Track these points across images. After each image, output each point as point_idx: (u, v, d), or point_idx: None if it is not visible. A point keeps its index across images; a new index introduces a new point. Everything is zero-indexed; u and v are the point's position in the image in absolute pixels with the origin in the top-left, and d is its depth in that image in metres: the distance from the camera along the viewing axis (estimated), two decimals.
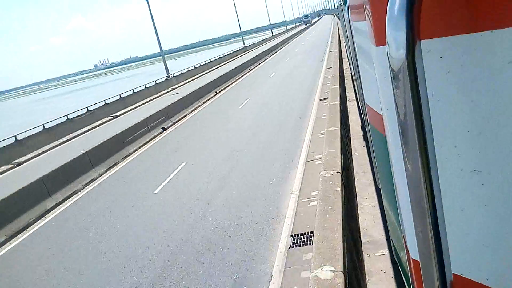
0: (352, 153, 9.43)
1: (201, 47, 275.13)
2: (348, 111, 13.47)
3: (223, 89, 25.84)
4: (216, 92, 24.77)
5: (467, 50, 0.74)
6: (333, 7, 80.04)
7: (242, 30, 71.86)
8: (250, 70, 33.92)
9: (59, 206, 10.33)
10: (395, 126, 0.73)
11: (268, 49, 49.26)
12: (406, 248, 1.08)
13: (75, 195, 10.93)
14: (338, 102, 11.00)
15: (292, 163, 9.65)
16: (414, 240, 0.76)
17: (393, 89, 0.68)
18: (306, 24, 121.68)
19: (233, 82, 28.25)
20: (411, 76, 0.64)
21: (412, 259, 0.99)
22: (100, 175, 12.19)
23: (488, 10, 0.70)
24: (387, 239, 5.70)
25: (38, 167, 14.35)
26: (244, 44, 66.18)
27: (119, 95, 28.07)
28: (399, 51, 0.64)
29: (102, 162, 12.69)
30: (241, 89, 24.16)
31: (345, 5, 4.27)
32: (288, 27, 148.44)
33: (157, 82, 33.72)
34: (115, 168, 12.71)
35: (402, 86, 0.65)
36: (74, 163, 11.84)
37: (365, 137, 8.92)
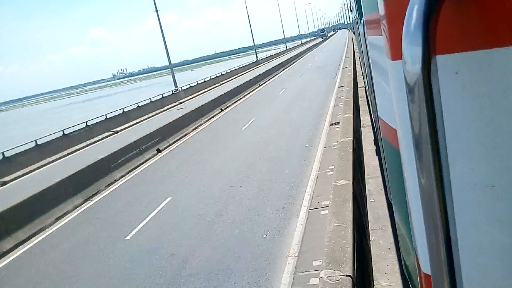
0: (367, 200, 7.72)
1: (217, 59, 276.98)
2: (363, 139, 11.77)
3: (229, 105, 24.36)
4: (221, 109, 23.29)
5: (483, 66, 0.74)
6: (348, 22, 78.87)
7: (257, 43, 71.00)
8: (260, 86, 32.48)
9: (18, 248, 8.81)
10: (410, 140, 0.74)
11: (281, 63, 47.93)
12: (417, 261, 1.05)
13: (41, 233, 9.41)
14: (351, 137, 9.28)
15: (293, 208, 7.94)
16: (426, 254, 0.75)
17: (408, 104, 0.68)
18: (322, 38, 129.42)
19: (241, 98, 26.78)
20: (426, 90, 0.64)
21: (423, 273, 0.99)
22: (76, 207, 10.68)
23: (504, 26, 0.69)
24: None
25: (21, 189, 12.98)
26: (257, 57, 65.07)
27: (122, 109, 26.86)
28: (415, 66, 0.64)
29: (80, 191, 11.19)
30: (248, 107, 22.63)
31: (360, 20, 4.04)
32: (303, 40, 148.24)
33: (164, 96, 32.54)
34: (95, 199, 11.19)
35: (417, 101, 0.65)
36: (47, 192, 10.38)
37: (378, 151, 8.48)
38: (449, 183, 0.67)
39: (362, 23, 3.35)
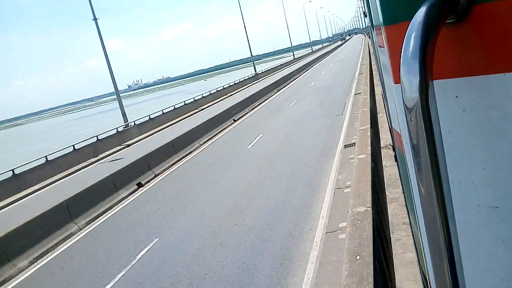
0: None
1: (231, 67, 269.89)
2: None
3: (161, 173, 14.52)
4: (139, 184, 13.50)
5: (481, 91, 0.76)
6: (363, 26, 70.19)
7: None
8: (234, 122, 22.63)
9: None
10: (411, 159, 0.74)
11: (279, 80, 38.04)
12: (428, 277, 1.07)
13: None
14: None
15: None
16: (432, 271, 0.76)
17: (408, 129, 0.69)
18: (341, 41, 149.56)
19: (188, 155, 16.93)
20: (424, 115, 0.65)
21: None
22: None
23: (501, 53, 0.72)
24: None
25: None
26: (255, 71, 55.38)
27: (12, 170, 17.43)
28: (413, 93, 0.66)
29: None
30: (179, 186, 12.78)
31: (372, 28, 3.47)
32: (314, 48, 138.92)
33: (101, 137, 23.05)
34: None
35: (416, 127, 0.67)
36: None
37: (396, 158, 6.70)
38: (450, 203, 0.67)
39: (374, 30, 3.07)
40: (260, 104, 27.56)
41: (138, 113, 31.07)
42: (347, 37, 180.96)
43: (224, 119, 22.24)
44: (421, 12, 0.67)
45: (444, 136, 0.71)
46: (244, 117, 23.38)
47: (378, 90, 21.64)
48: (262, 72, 57.71)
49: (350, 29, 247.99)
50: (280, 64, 70.34)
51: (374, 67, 30.15)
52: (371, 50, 36.70)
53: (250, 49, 55.10)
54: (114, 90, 26.95)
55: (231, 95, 39.96)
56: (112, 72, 25.57)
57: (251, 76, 52.58)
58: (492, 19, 0.70)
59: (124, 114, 25.85)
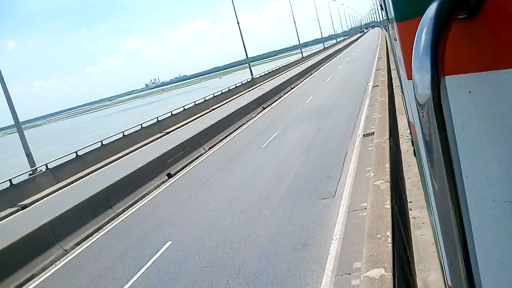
0: None
1: (244, 65, 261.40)
2: None
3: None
4: None
5: (494, 86, 0.76)
6: (380, 19, 61.03)
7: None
8: (169, 178, 14.16)
9: None
10: (425, 156, 0.74)
11: (268, 92, 29.42)
12: (444, 271, 1.06)
13: None
14: None
15: None
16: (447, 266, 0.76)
17: (421, 125, 0.69)
18: (361, 33, 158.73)
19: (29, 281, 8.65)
20: (436, 112, 0.65)
21: (448, 284, 0.99)
22: None
23: None
24: None
25: None
26: (252, 75, 46.72)
27: None
28: (425, 89, 0.66)
29: None
30: None
31: (388, 22, 3.17)
32: (329, 42, 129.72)
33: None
34: None
35: (427, 123, 0.67)
36: None
37: (415, 152, 6.36)
38: (464, 198, 0.66)
39: (389, 23, 2.94)
40: (226, 136, 19.00)
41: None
42: (365, 30, 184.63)
43: (154, 173, 13.86)
44: (432, 8, 0.66)
45: (458, 131, 0.71)
46: (187, 168, 14.89)
47: (403, 122, 12.91)
48: (261, 76, 49.04)
49: (366, 22, 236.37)
50: (285, 65, 61.47)
51: (393, 75, 21.36)
52: (389, 48, 27.99)
53: (245, 50, 46.68)
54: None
55: (212, 110, 31.65)
56: (10, 98, 17.51)
57: (245, 82, 43.96)
58: (504, 14, 0.69)
59: (29, 155, 17.78)
